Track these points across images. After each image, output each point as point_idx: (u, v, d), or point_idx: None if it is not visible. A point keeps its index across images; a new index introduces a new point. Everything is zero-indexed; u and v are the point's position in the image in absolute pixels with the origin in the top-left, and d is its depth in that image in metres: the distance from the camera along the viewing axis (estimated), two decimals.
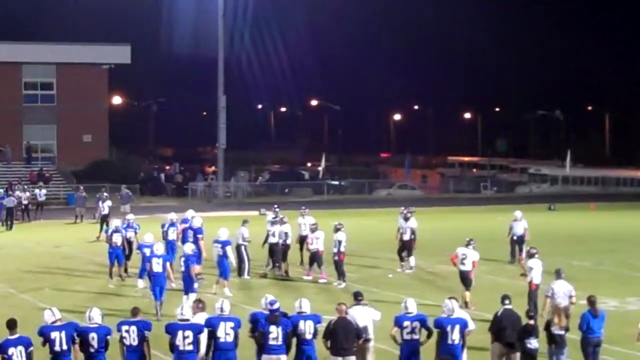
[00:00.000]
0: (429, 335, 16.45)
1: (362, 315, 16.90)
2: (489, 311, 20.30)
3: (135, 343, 15.52)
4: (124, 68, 69.07)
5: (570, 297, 19.81)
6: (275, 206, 32.92)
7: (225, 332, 15.68)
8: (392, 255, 31.69)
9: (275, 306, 16.21)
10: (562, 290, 19.80)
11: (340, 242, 28.16)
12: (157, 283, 23.68)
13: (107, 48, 68.68)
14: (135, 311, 16.00)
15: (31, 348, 14.65)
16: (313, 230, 29.08)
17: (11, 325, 14.78)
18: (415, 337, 16.32)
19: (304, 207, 32.56)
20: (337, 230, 28.52)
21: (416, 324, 16.32)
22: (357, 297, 17.28)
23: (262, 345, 15.98)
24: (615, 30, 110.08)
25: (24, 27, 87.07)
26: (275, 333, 15.86)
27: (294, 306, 16.57)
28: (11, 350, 14.40)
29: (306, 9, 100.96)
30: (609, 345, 18.46)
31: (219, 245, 26.54)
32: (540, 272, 22.71)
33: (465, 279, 24.34)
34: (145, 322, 15.82)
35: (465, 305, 23.01)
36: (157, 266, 23.82)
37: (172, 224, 29.80)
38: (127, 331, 15.57)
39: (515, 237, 32.57)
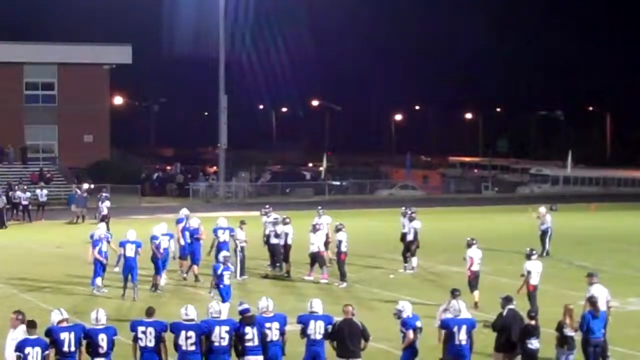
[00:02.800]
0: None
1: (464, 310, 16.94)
2: (490, 312, 20.32)
3: (152, 344, 15.44)
4: (125, 68, 69.05)
5: (608, 301, 18.90)
6: (267, 206, 32.86)
7: (220, 337, 15.58)
8: (394, 255, 31.67)
9: (244, 307, 16.04)
10: (604, 295, 18.85)
11: (340, 242, 28.22)
12: (127, 267, 25.14)
13: (108, 48, 68.66)
14: (150, 311, 15.89)
15: (47, 351, 14.72)
16: (314, 231, 29.11)
17: (31, 325, 14.85)
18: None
19: (320, 207, 32.85)
20: (337, 230, 28.57)
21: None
22: (454, 293, 17.37)
23: (240, 349, 15.79)
24: (615, 30, 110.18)
25: (25, 27, 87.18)
26: (250, 334, 15.72)
27: (305, 306, 16.55)
28: (28, 350, 14.50)
29: (307, 9, 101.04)
30: (610, 346, 18.45)
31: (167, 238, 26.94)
32: (539, 273, 22.73)
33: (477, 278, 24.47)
34: (161, 323, 15.72)
35: (475, 305, 23.34)
36: (130, 251, 25.28)
37: (231, 229, 28.78)
38: (144, 332, 15.47)
39: (540, 232, 34.43)
